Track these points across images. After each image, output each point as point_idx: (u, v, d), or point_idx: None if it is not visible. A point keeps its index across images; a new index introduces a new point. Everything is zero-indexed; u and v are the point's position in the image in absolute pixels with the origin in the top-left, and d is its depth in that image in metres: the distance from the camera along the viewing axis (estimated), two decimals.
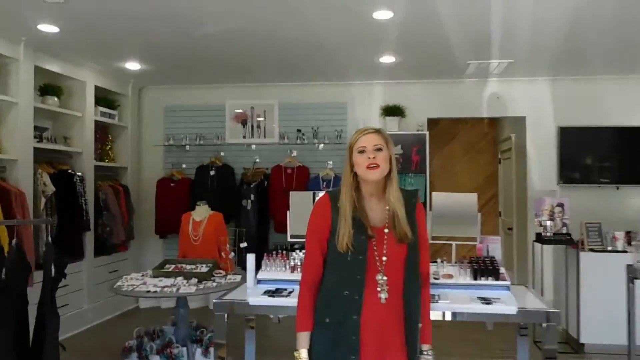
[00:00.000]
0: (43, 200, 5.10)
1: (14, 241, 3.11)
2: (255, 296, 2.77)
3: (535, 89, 6.45)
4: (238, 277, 4.39)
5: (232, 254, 4.69)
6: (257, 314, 3.10)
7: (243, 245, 4.65)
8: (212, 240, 4.80)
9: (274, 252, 3.06)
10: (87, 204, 5.62)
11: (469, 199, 3.05)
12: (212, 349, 4.49)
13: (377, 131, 2.15)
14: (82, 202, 5.53)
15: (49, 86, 5.38)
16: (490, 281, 2.82)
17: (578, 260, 5.08)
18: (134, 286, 4.22)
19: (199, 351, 4.43)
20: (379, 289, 2.05)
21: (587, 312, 5.02)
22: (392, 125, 6.37)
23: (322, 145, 6.41)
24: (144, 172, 6.85)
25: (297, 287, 2.23)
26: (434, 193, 3.10)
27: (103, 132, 6.31)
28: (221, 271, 4.61)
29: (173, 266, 4.63)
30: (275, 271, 2.96)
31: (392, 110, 6.38)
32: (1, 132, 4.87)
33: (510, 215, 7.14)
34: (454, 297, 2.73)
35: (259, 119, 6.66)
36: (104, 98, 6.18)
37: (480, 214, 3.00)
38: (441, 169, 8.25)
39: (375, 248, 2.07)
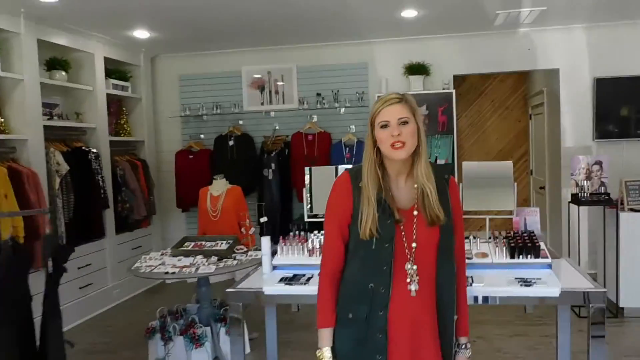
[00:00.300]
0: (58, 180, 4.94)
1: (9, 236, 2.92)
2: (271, 285, 2.54)
3: (569, 38, 5.95)
4: (259, 254, 4.20)
5: (253, 229, 4.47)
6: (271, 307, 2.87)
7: (263, 220, 4.39)
8: (232, 215, 4.57)
9: (291, 234, 2.81)
10: (104, 181, 5.46)
11: (504, 168, 2.72)
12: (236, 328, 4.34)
13: (402, 100, 1.83)
14: (99, 179, 5.36)
15: (55, 60, 5.14)
16: (530, 259, 2.52)
17: (617, 220, 4.73)
18: (153, 267, 4.07)
19: (222, 330, 4.28)
20: (408, 279, 1.80)
21: (627, 275, 4.71)
22: (417, 85, 5.99)
23: (343, 109, 6.10)
24: (162, 144, 6.64)
25: (316, 272, 2.00)
26: (464, 163, 2.78)
27: (117, 106, 6.09)
28: (242, 247, 4.42)
29: (192, 244, 4.46)
30: (292, 255, 2.71)
31: (415, 69, 5.98)
32: (8, 111, 4.67)
33: (543, 173, 6.77)
34: (489, 279, 2.44)
35: (278, 83, 6.34)
36: (115, 70, 5.94)
37: (516, 184, 2.68)
38: (469, 127, 7.86)
39: (403, 233, 1.81)
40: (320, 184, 3.34)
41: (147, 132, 6.38)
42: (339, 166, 3.48)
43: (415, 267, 1.81)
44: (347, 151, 5.90)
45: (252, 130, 6.33)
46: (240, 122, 6.30)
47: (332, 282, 1.92)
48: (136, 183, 5.86)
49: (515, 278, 2.45)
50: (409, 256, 1.80)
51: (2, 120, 4.55)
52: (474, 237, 2.69)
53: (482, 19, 5.47)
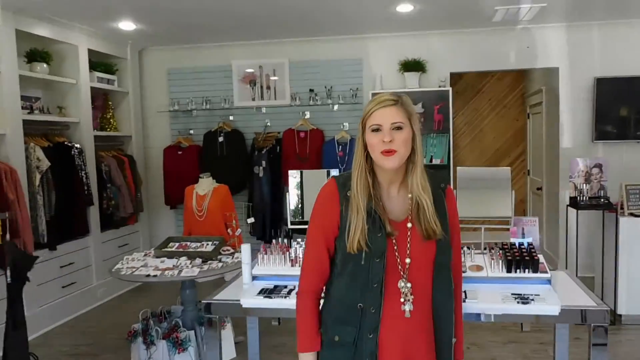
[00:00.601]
0: (38, 176, 4.72)
1: None
2: (249, 297, 2.34)
3: (570, 36, 5.75)
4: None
5: (239, 230, 4.27)
6: (252, 316, 2.68)
7: (250, 220, 4.22)
8: (218, 215, 4.37)
9: (273, 241, 2.61)
10: (88, 177, 5.24)
11: (501, 174, 2.53)
12: (222, 331, 4.15)
13: (397, 102, 1.65)
14: (82, 175, 5.15)
15: (36, 52, 4.91)
16: (528, 274, 2.34)
17: (617, 225, 4.54)
18: (134, 269, 3.89)
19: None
20: (402, 299, 1.64)
21: (625, 282, 4.53)
22: (412, 82, 5.78)
23: (336, 105, 5.90)
24: (150, 140, 6.42)
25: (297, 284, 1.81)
26: (458, 168, 2.59)
27: (103, 100, 5.87)
28: (229, 248, 4.23)
29: (177, 244, 4.25)
30: (274, 265, 2.52)
31: (411, 65, 5.77)
32: None
33: (540, 174, 6.59)
34: (484, 295, 2.26)
35: (270, 78, 6.12)
36: (100, 63, 5.71)
37: (514, 192, 2.49)
38: (466, 126, 7.66)
39: (396, 248, 1.65)
40: (310, 188, 3.13)
41: (134, 127, 6.16)
42: (331, 170, 3.30)
43: (409, 285, 1.64)
44: (339, 149, 5.71)
45: (242, 126, 6.12)
46: (231, 117, 6.09)
47: (314, 301, 1.75)
48: (122, 179, 5.65)
49: (512, 294, 2.26)
50: (402, 273, 1.64)
51: None
52: (468, 248, 2.51)
53: (480, 15, 5.26)
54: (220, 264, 3.86)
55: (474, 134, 7.63)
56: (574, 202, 4.72)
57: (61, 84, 5.25)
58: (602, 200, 4.66)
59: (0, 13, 4.37)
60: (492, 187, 2.51)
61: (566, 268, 5.25)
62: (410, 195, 1.68)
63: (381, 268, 1.63)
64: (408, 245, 1.65)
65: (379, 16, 5.19)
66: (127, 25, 5.26)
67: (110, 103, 5.93)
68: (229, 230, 4.31)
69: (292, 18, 5.19)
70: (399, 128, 1.61)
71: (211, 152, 5.94)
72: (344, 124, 5.87)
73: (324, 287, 1.77)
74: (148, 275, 3.73)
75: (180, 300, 4.39)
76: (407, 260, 1.64)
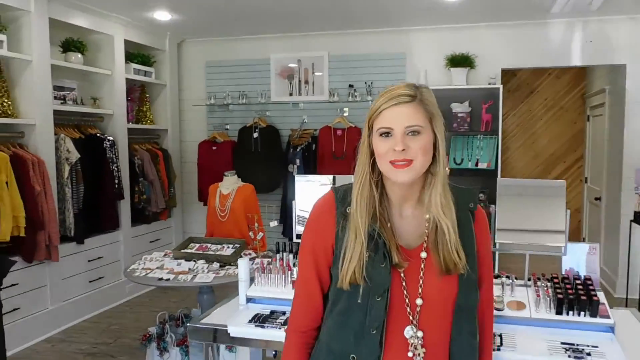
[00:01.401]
0: (67, 168, 4.48)
1: None
2: (239, 324, 1.91)
3: (639, 29, 4.99)
4: (267, 261, 3.62)
5: (262, 233, 3.86)
6: (243, 346, 2.25)
7: (273, 224, 3.78)
8: (242, 216, 3.97)
9: (277, 256, 2.18)
10: (119, 171, 4.98)
11: (553, 188, 1.97)
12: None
13: (414, 98, 1.24)
14: (113, 168, 4.89)
15: (70, 41, 4.68)
16: (584, 318, 1.78)
17: None
18: (149, 270, 3.57)
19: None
20: (409, 353, 1.24)
21: None
22: (459, 78, 5.19)
23: None
24: (185, 134, 6.13)
25: None
26: (499, 179, 2.05)
27: (139, 92, 5.61)
28: (250, 252, 3.84)
29: (197, 245, 3.92)
30: (272, 286, 2.07)
31: (459, 60, 5.16)
32: (17, 94, 4.23)
33: (599, 183, 5.82)
34: (524, 342, 1.74)
35: (309, 73, 5.67)
36: (137, 54, 5.44)
37: (569, 212, 1.93)
38: (517, 128, 6.94)
39: (404, 284, 1.25)
40: None
41: (170, 120, 5.87)
42: None
43: (420, 333, 1.24)
44: None
45: (278, 122, 5.73)
46: (267, 113, 5.72)
47: (302, 344, 1.37)
48: (155, 174, 5.38)
49: (562, 343, 1.73)
50: (411, 317, 1.25)
51: (10, 103, 4.12)
52: (508, 278, 1.97)
53: (537, 6, 4.62)
54: (238, 270, 3.49)
55: (526, 137, 6.90)
56: (639, 218, 4.03)
57: (96, 74, 5.00)
58: None
59: (33, 0, 4.13)
60: (540, 204, 1.96)
61: (627, 294, 4.53)
62: (427, 216, 1.28)
63: (382, 309, 1.23)
64: (420, 281, 1.25)
65: (424, 7, 4.64)
66: (162, 15, 4.95)
67: (147, 95, 5.66)
68: (250, 233, 3.91)
69: (332, 10, 4.74)
70: (416, 133, 1.22)
71: (245, 148, 5.58)
72: None
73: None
74: (160, 279, 3.41)
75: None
76: (419, 301, 1.24)
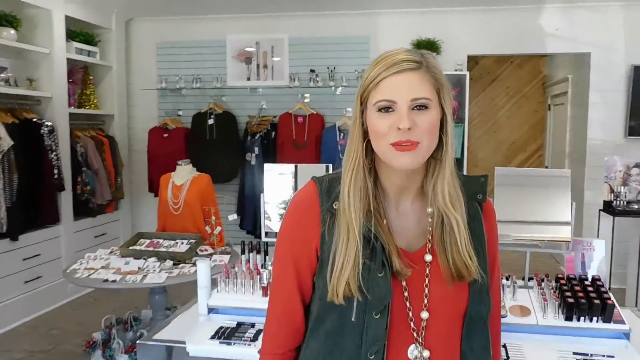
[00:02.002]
0: None
1: None
2: (199, 341, 1.59)
3: (605, 18, 4.92)
4: (225, 259, 3.29)
5: (219, 227, 3.53)
6: None
7: (232, 218, 3.47)
8: (197, 209, 3.61)
9: (242, 258, 1.86)
10: (59, 159, 4.48)
11: (556, 179, 1.75)
12: None
13: (420, 65, 1.02)
14: (52, 157, 4.40)
15: (1, 15, 4.14)
16: (596, 324, 1.57)
17: None
18: (92, 271, 3.18)
19: None
20: None
21: None
22: None
23: (339, 88, 5.11)
24: (134, 120, 5.66)
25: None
26: (497, 169, 1.81)
27: (83, 74, 5.11)
28: (207, 248, 3.51)
29: (148, 241, 3.54)
30: (239, 293, 1.76)
31: (424, 46, 4.92)
32: None
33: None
34: (532, 353, 1.51)
35: (267, 56, 5.33)
36: (80, 32, 4.93)
37: (574, 204, 1.71)
38: (480, 116, 6.86)
39: (406, 295, 1.05)
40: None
41: (117, 105, 5.39)
42: (330, 166, 2.60)
43: (426, 353, 1.04)
44: (341, 137, 4.93)
45: (235, 108, 5.36)
46: (223, 98, 5.34)
47: None
48: (100, 163, 4.92)
49: (575, 354, 1.51)
50: (415, 334, 1.04)
51: None
52: (507, 279, 1.74)
53: None
54: (193, 268, 3.15)
55: (488, 125, 6.84)
56: (609, 208, 3.94)
57: (32, 53, 4.47)
58: None
59: None
60: (542, 196, 1.74)
61: None
62: (430, 210, 1.08)
63: (382, 328, 1.03)
64: (426, 290, 1.05)
65: None
66: None
67: (91, 78, 5.16)
68: (207, 227, 3.57)
69: None
70: (424, 107, 1.00)
71: (200, 136, 5.20)
72: (347, 109, 5.10)
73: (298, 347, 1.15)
74: (106, 280, 3.03)
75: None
76: (424, 315, 1.05)
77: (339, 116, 5.10)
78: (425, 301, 1.04)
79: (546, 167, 6.48)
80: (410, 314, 1.04)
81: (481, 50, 5.24)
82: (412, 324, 1.04)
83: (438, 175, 1.05)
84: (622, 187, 3.93)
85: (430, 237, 1.07)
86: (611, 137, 5.00)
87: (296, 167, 2.59)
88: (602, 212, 4.12)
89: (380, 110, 1.00)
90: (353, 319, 1.03)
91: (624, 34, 4.91)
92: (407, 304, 1.03)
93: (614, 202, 3.93)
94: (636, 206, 3.88)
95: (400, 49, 1.04)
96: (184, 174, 3.70)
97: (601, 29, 4.94)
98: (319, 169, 3.22)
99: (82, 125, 5.00)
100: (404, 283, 1.04)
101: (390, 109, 0.99)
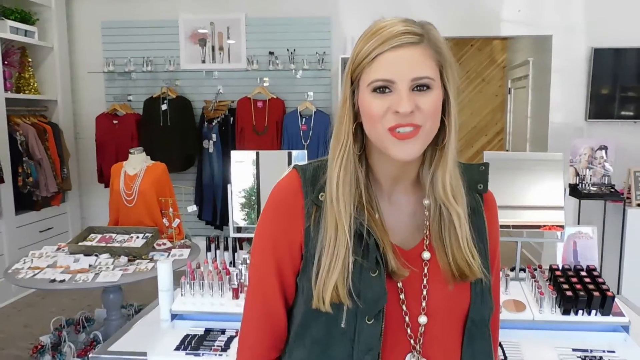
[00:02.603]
0: None
1: None
2: (162, 353, 1.42)
3: (567, 0, 4.93)
4: (185, 253, 3.11)
5: (178, 220, 3.32)
6: None
7: (191, 209, 3.26)
8: (152, 200, 3.39)
9: (207, 256, 1.68)
10: None
11: (548, 163, 1.66)
12: None
13: (422, 38, 0.91)
14: None
15: None
16: (595, 317, 1.48)
17: (624, 217, 3.81)
18: (37, 270, 2.93)
19: None
20: None
21: (631, 279, 3.84)
22: None
23: (300, 71, 4.95)
24: (79, 106, 5.30)
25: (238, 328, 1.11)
26: (486, 153, 1.71)
27: (20, 56, 4.73)
28: (165, 242, 3.31)
29: (99, 236, 3.31)
30: (206, 296, 1.58)
31: None
32: None
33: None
34: (530, 351, 1.44)
35: (223, 38, 5.06)
36: (15, 10, 4.56)
37: (567, 190, 1.63)
38: None
39: (403, 298, 0.96)
40: (269, 175, 2.44)
41: (60, 89, 5.03)
42: (293, 152, 2.54)
43: None
44: (303, 122, 4.80)
45: (190, 92, 5.10)
46: (177, 82, 5.07)
47: None
48: (43, 152, 4.58)
49: (574, 350, 1.43)
50: (412, 341, 0.96)
51: None
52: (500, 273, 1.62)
53: None
54: (151, 264, 2.96)
55: None
56: (575, 191, 3.94)
57: None
58: (606, 188, 3.90)
59: None
60: (533, 181, 1.64)
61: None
62: (427, 202, 0.99)
63: (376, 336, 0.94)
64: (424, 292, 0.97)
65: None
66: None
67: (29, 60, 4.80)
68: (164, 219, 3.35)
69: None
70: (425, 87, 0.90)
71: (153, 122, 4.91)
72: (309, 93, 4.96)
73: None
74: (53, 281, 2.79)
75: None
76: (422, 319, 0.96)
77: (301, 100, 4.93)
78: (424, 304, 0.96)
79: (507, 151, 6.54)
80: (407, 319, 0.95)
81: (441, 32, 5.08)
82: (408, 330, 0.95)
83: (438, 164, 0.95)
84: (587, 170, 3.95)
85: (427, 233, 0.98)
86: (572, 120, 5.03)
87: (258, 153, 2.51)
88: (567, 196, 4.13)
89: (375, 90, 0.89)
90: (343, 325, 0.94)
91: (585, 15, 4.93)
92: (404, 308, 0.95)
93: (579, 185, 3.94)
94: (601, 189, 3.91)
95: (395, 19, 0.92)
96: (137, 162, 3.48)
97: (563, 11, 4.94)
98: (281, 156, 3.07)
99: (21, 112, 4.65)
100: (399, 284, 0.95)
101: (388, 90, 0.89)
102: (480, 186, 1.02)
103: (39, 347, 3.18)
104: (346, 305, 0.92)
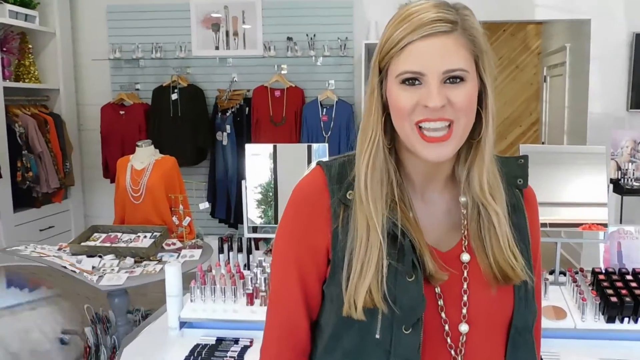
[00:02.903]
0: None
1: None
2: None
3: None
4: (197, 254, 3.05)
5: (189, 218, 3.33)
6: None
7: (203, 206, 3.27)
8: (161, 197, 3.31)
9: (220, 258, 1.70)
10: None
11: (589, 156, 1.64)
12: None
13: (455, 26, 0.88)
14: None
15: None
16: None
17: None
18: (45, 255, 2.99)
19: None
20: None
21: None
22: None
23: (320, 58, 4.89)
24: (84, 95, 5.25)
25: (259, 335, 1.14)
26: (522, 145, 1.70)
27: (19, 42, 4.67)
28: (175, 241, 3.32)
29: (104, 236, 3.28)
30: (218, 302, 1.59)
31: None
32: None
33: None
34: None
35: (245, 26, 5.02)
36: None
37: (612, 186, 1.62)
38: None
39: (441, 304, 0.94)
40: (287, 170, 2.46)
41: (63, 78, 4.96)
42: (313, 146, 2.56)
43: None
44: (323, 113, 4.75)
45: (202, 81, 5.03)
46: (188, 70, 5.01)
47: None
48: (44, 145, 4.51)
49: None
50: (453, 352, 0.94)
51: None
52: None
53: None
54: (159, 266, 2.94)
55: None
56: (617, 186, 3.89)
57: None
58: None
59: None
60: (574, 175, 1.63)
61: None
62: (463, 200, 0.97)
63: (415, 347, 0.91)
64: (464, 298, 0.94)
65: None
66: None
67: (29, 46, 4.72)
68: (174, 217, 3.38)
69: None
70: (459, 80, 0.88)
71: (162, 113, 4.85)
72: (330, 81, 4.90)
73: None
74: (65, 268, 2.83)
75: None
76: (463, 328, 0.94)
77: (321, 89, 4.86)
78: (464, 311, 0.94)
79: (542, 143, 6.50)
80: (447, 327, 0.93)
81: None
82: (448, 340, 0.93)
83: (474, 160, 0.94)
84: (630, 164, 3.90)
85: (465, 233, 0.96)
86: (612, 110, 4.93)
87: (275, 146, 2.53)
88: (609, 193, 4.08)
89: (404, 82, 0.88)
90: (377, 336, 0.92)
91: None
92: (443, 315, 0.93)
93: (621, 180, 3.89)
94: None
95: (428, 2, 0.89)
96: (144, 156, 3.41)
97: None
98: (300, 149, 3.09)
99: (20, 102, 4.57)
100: (437, 289, 0.93)
101: (417, 82, 0.87)
102: (520, 181, 1.01)
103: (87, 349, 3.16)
104: (381, 311, 0.90)
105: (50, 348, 3.27)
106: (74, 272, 2.82)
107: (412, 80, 0.87)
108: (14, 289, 3.62)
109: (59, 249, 3.23)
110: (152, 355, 1.42)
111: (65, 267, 2.83)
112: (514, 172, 1.01)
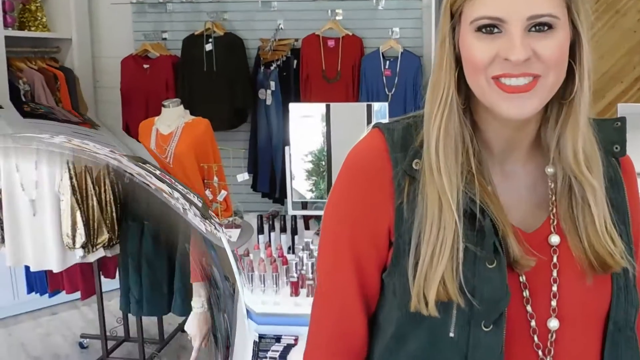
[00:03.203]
0: None
1: None
2: None
3: None
4: (234, 234, 2.84)
5: (224, 192, 3.07)
6: None
7: (242, 178, 3.09)
8: (192, 168, 3.15)
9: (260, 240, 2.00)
10: None
11: None
12: None
13: None
14: None
15: None
16: None
17: None
18: None
19: None
20: None
21: None
22: None
23: (383, 1, 4.55)
24: (101, 46, 4.97)
25: (303, 335, 1.05)
26: (620, 105, 2.36)
27: None
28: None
29: None
30: (255, 293, 1.47)
31: None
32: None
33: None
34: None
35: None
36: None
37: None
38: None
39: (527, 295, 0.89)
40: (342, 134, 2.42)
41: (75, 26, 4.67)
42: (374, 105, 2.63)
43: None
44: (387, 66, 4.46)
45: (242, 28, 4.73)
46: (225, 15, 4.71)
47: None
48: (54, 104, 4.30)
49: None
50: (541, 353, 0.90)
51: None
52: None
53: None
54: None
55: None
56: None
57: None
58: None
59: None
60: None
61: None
62: (551, 171, 0.93)
63: (498, 348, 0.85)
64: (554, 288, 0.90)
65: None
66: None
67: None
68: (207, 191, 3.07)
69: None
70: (547, 27, 0.83)
71: (194, 67, 4.58)
72: (394, 29, 4.57)
73: None
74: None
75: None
76: (553, 324, 0.89)
77: (384, 38, 4.52)
78: (554, 303, 0.90)
79: None
80: (533, 323, 0.90)
81: None
82: (535, 338, 0.90)
83: (566, 123, 0.89)
84: None
85: (553, 210, 0.92)
86: None
87: (328, 106, 2.59)
88: None
89: (479, 29, 0.84)
90: (452, 334, 0.88)
91: None
92: (529, 309, 0.89)
93: None
94: None
95: None
96: (172, 118, 3.25)
97: None
98: (358, 109, 2.99)
99: (25, 54, 4.35)
100: (522, 278, 0.89)
101: (496, 30, 0.83)
102: (616, 148, 0.97)
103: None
104: (456, 305, 0.85)
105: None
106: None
107: (489, 28, 0.85)
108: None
109: None
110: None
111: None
112: (610, 138, 0.98)
